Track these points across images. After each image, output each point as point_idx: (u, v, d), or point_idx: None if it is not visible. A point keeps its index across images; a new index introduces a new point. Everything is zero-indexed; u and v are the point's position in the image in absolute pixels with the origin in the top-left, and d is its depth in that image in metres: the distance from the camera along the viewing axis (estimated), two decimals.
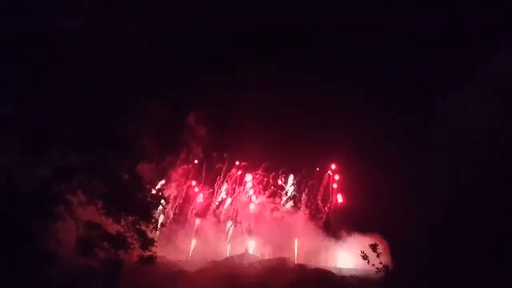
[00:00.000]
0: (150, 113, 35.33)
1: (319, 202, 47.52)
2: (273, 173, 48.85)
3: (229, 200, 47.46)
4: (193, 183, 47.78)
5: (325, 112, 46.32)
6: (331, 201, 47.44)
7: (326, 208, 47.14)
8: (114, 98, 26.40)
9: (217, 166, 48.92)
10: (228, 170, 48.97)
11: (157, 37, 35.40)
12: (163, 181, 44.62)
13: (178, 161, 47.16)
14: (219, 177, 48.78)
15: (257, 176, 49.21)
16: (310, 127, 48.29)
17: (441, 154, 35.80)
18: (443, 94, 37.63)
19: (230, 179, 49.13)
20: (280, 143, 46.77)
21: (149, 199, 23.36)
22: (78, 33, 26.16)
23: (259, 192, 47.94)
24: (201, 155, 48.24)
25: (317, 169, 48.74)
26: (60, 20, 25.40)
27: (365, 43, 43.63)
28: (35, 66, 24.68)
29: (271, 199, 47.47)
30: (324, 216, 46.57)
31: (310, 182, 47.96)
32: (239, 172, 49.00)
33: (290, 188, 48.03)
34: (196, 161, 48.34)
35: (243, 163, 49.45)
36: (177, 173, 46.86)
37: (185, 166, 47.89)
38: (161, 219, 34.96)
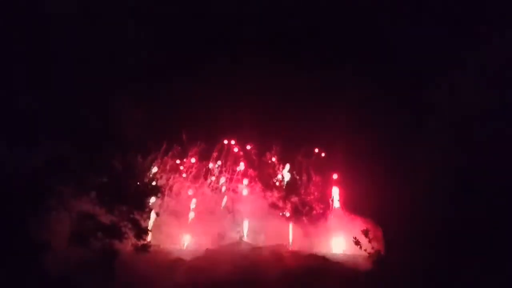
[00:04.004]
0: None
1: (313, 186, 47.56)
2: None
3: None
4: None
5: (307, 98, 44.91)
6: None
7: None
8: (105, 89, 26.10)
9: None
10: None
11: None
12: (154, 171, 44.24)
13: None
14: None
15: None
16: (294, 113, 46.94)
17: (435, 143, 35.95)
18: (437, 82, 37.54)
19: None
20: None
21: (142, 188, 23.46)
22: (66, 21, 25.68)
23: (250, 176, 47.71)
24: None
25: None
26: (47, 8, 24.90)
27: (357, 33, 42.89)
28: (26, 57, 24.32)
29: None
30: (319, 203, 46.81)
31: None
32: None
33: (286, 174, 47.99)
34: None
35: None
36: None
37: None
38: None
